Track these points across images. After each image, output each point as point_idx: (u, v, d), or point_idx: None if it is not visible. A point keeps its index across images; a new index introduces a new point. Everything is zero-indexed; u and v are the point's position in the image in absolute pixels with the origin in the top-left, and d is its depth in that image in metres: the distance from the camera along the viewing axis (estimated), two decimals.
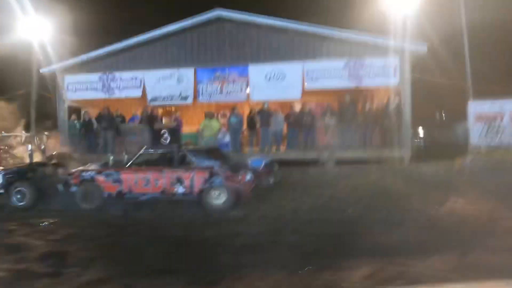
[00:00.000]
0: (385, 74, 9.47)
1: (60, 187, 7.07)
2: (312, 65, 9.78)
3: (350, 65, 9.59)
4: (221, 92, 10.21)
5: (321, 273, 3.22)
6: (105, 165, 7.37)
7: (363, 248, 3.75)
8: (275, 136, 10.17)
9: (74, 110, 11.27)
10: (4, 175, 7.37)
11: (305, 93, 9.89)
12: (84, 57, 10.84)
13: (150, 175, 6.57)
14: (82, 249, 4.44)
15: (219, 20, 10.20)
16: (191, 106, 11.53)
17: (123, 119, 11.05)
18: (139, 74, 10.57)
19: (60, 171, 7.88)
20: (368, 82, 9.59)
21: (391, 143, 9.31)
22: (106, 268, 3.66)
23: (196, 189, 6.34)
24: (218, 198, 6.23)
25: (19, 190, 7.27)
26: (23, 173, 7.61)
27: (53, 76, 11.04)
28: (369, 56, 9.52)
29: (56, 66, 10.82)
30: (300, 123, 9.97)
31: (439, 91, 14.72)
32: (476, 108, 8.23)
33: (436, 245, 3.79)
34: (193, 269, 3.57)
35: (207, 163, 6.56)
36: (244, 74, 10.07)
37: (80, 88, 10.92)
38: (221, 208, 6.18)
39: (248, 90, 10.07)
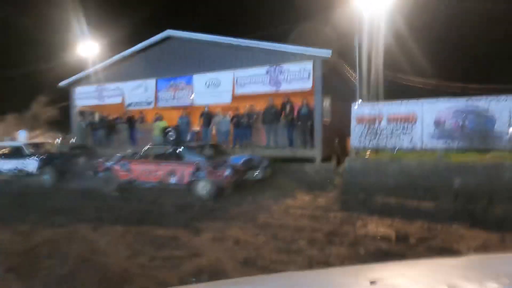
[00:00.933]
0: (301, 79, 10.40)
1: (90, 172, 8.88)
2: (241, 72, 11.21)
3: (271, 71, 10.76)
4: (173, 98, 12.39)
5: None
6: (122, 157, 8.76)
7: None
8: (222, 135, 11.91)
9: (81, 113, 14.76)
10: (39, 160, 9.98)
11: (238, 98, 11.39)
12: (84, 73, 14.15)
13: (152, 167, 7.97)
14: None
15: (169, 38, 12.32)
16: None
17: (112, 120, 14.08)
18: (120, 85, 13.40)
19: (80, 159, 10.30)
20: (286, 87, 10.64)
21: (306, 144, 10.37)
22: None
23: (185, 180, 7.53)
24: (203, 189, 7.36)
25: (47, 172, 9.83)
26: (51, 159, 10.08)
27: (67, 88, 14.66)
28: (287, 63, 10.55)
29: (68, 81, 14.38)
30: (241, 124, 11.55)
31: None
32: (357, 110, 8.78)
33: None
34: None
35: (195, 158, 7.69)
36: (190, 82, 12.04)
37: (84, 97, 14.30)
38: (205, 197, 7.30)
39: (192, 96, 12.02)
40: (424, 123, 7.98)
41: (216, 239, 4.39)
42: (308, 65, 10.25)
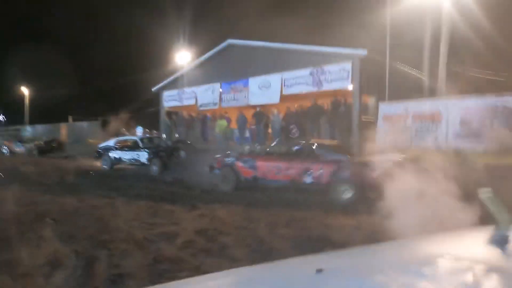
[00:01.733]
0: (341, 79, 10.73)
1: (207, 169, 8.40)
2: (287, 74, 12.09)
3: (314, 72, 11.35)
4: (234, 99, 13.99)
5: None
6: (242, 153, 8.50)
7: None
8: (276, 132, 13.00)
9: (168, 113, 17.68)
10: (149, 152, 11.33)
11: (284, 97, 12.31)
12: (170, 79, 16.98)
13: (282, 164, 7.16)
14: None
15: (229, 46, 13.93)
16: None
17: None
18: (194, 89, 15.71)
19: (181, 153, 11.48)
20: (327, 86, 11.09)
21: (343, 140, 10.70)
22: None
23: (324, 180, 6.56)
24: (345, 192, 6.23)
25: (155, 163, 10.97)
26: (158, 152, 11.20)
27: (157, 92, 17.79)
28: (328, 64, 10.99)
29: (158, 86, 17.46)
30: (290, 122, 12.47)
31: None
32: (384, 109, 8.77)
33: None
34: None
35: (336, 157, 6.76)
36: (246, 85, 13.45)
37: (170, 99, 17.15)
38: (344, 201, 6.13)
39: (248, 97, 13.40)
40: (449, 122, 7.67)
41: None
42: (347, 65, 10.52)
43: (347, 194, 6.20)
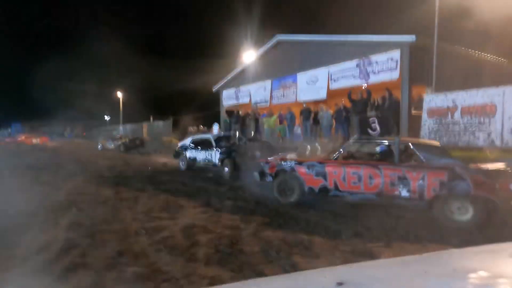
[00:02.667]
0: (388, 69, 9.76)
1: (256, 175, 6.75)
2: (334, 67, 11.46)
3: (360, 64, 10.53)
4: (283, 96, 13.82)
5: None
6: (302, 155, 7.16)
7: None
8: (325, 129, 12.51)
9: (226, 112, 18.31)
10: (220, 152, 10.04)
11: (332, 92, 11.71)
12: (228, 78, 17.56)
13: (363, 171, 5.33)
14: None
15: (278, 43, 13.74)
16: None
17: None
18: (248, 86, 15.99)
19: (256, 152, 9.13)
20: (374, 79, 10.19)
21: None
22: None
23: (428, 194, 4.81)
24: (462, 212, 4.59)
25: (226, 164, 9.63)
26: (230, 152, 9.77)
27: (217, 92, 18.57)
28: (374, 54, 10.09)
29: (217, 86, 18.23)
30: (340, 118, 11.86)
31: None
32: (429, 102, 7.66)
33: None
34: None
35: (443, 161, 4.96)
36: (295, 81, 13.16)
37: (228, 98, 17.77)
38: (463, 224, 4.54)
39: (296, 93, 13.10)
40: (504, 115, 6.41)
41: None
42: (395, 54, 9.53)
43: (465, 214, 4.57)
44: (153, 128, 26.83)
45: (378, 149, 5.78)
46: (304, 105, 12.60)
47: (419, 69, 9.40)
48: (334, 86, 11.54)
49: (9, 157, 16.29)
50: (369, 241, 4.13)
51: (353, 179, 5.38)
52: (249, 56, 16.10)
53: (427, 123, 7.68)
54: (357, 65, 10.64)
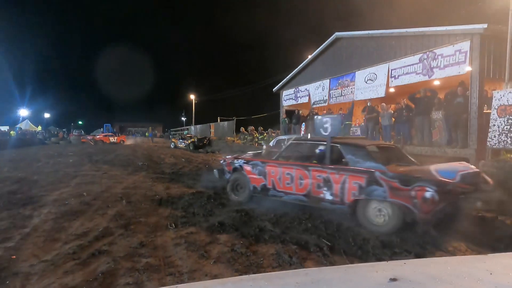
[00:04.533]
0: (456, 63, 8.70)
1: (216, 173, 7.04)
2: (394, 64, 10.62)
3: (424, 58, 9.58)
4: (341, 95, 13.23)
5: None
6: (257, 154, 7.16)
7: None
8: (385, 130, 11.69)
9: (286, 112, 18.19)
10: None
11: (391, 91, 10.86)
12: (287, 78, 17.47)
13: (295, 171, 5.34)
14: None
15: (336, 40, 13.19)
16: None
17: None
18: (307, 86, 15.69)
19: None
20: (439, 74, 9.17)
21: (457, 141, 8.68)
22: None
23: (347, 198, 4.72)
24: (379, 216, 4.46)
25: None
26: None
27: (277, 93, 18.58)
28: (439, 47, 9.09)
29: (277, 86, 18.25)
30: (401, 118, 10.97)
31: None
32: (500, 98, 6.57)
33: None
34: None
35: (367, 164, 4.64)
36: (353, 79, 12.52)
37: (287, 98, 17.68)
38: (380, 229, 4.36)
39: (354, 92, 12.44)
40: None
41: None
42: (464, 45, 8.46)
43: (383, 220, 4.42)
44: (219, 128, 28.01)
45: (317, 150, 5.65)
46: (369, 104, 11.88)
47: (492, 61, 8.20)
48: (395, 83, 10.69)
49: (90, 154, 18.41)
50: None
51: (287, 180, 5.42)
52: (307, 55, 15.84)
53: (497, 122, 6.65)
54: (420, 60, 9.69)
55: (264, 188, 5.85)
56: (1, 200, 6.56)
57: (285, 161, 5.71)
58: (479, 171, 4.76)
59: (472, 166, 4.76)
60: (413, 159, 5.52)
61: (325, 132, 5.25)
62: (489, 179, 4.65)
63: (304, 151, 5.96)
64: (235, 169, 6.49)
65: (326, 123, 5.24)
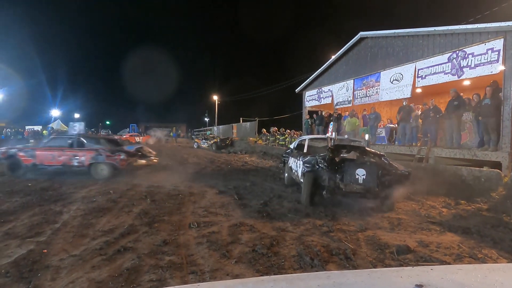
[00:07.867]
0: (488, 62, 8.33)
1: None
2: (421, 63, 10.29)
3: (453, 57, 9.23)
4: (365, 95, 12.97)
5: None
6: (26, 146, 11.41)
7: None
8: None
9: (309, 113, 18.02)
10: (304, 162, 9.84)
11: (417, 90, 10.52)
12: (310, 79, 17.31)
13: (53, 152, 9.54)
14: None
15: (361, 40, 12.93)
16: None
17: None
18: (330, 87, 15.49)
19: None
20: (469, 74, 8.81)
21: (488, 144, 8.30)
22: None
23: (87, 163, 9.29)
24: (102, 170, 9.24)
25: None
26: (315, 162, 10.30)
27: (300, 93, 18.44)
28: (470, 46, 8.74)
29: (300, 87, 18.12)
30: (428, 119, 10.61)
31: None
32: None
33: None
34: None
35: (96, 146, 9.56)
36: (378, 79, 12.24)
37: (310, 99, 17.51)
38: (103, 177, 9.13)
39: (379, 93, 12.15)
40: None
41: None
42: (497, 44, 8.09)
43: (105, 173, 9.29)
44: (241, 129, 28.13)
45: (68, 141, 9.88)
46: (405, 103, 11.46)
47: None
48: (421, 83, 10.35)
49: None
50: None
51: (50, 158, 9.60)
52: (331, 55, 15.64)
53: None
54: (449, 59, 9.34)
55: (35, 165, 9.79)
56: (35, 196, 6.90)
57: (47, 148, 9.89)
58: (143, 146, 11.34)
59: None
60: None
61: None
62: (152, 151, 11.14)
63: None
64: (10, 156, 10.02)
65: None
